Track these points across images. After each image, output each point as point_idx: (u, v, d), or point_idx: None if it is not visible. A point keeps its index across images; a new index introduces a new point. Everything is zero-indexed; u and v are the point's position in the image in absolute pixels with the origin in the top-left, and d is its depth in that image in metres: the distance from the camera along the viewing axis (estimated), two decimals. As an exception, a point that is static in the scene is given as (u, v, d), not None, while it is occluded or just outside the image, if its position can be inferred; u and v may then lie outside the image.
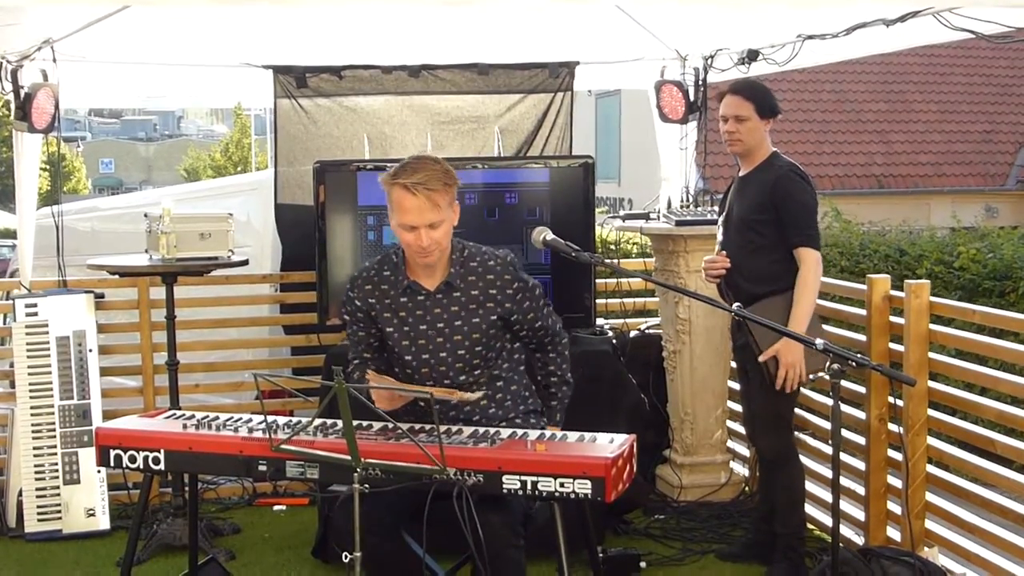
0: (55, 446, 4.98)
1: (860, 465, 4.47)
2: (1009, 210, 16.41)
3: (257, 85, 5.65)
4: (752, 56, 5.24)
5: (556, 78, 5.83)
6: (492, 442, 3.01)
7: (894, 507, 4.34)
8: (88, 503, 4.98)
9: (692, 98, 5.67)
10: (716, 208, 4.86)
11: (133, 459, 3.22)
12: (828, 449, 3.76)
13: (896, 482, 4.27)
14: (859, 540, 4.46)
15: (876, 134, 16.74)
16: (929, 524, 4.19)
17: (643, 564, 4.46)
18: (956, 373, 4.21)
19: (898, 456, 4.22)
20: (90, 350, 5.07)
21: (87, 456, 4.96)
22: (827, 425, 4.54)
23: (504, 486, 2.88)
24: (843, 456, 4.08)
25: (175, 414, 3.50)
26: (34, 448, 4.96)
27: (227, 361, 5.81)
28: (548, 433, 3.15)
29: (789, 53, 5.01)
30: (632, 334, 5.63)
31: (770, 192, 4.08)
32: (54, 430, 4.99)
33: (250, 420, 3.30)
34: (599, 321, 5.32)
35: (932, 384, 4.20)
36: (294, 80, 5.60)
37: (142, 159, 56.85)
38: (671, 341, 5.31)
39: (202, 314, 5.60)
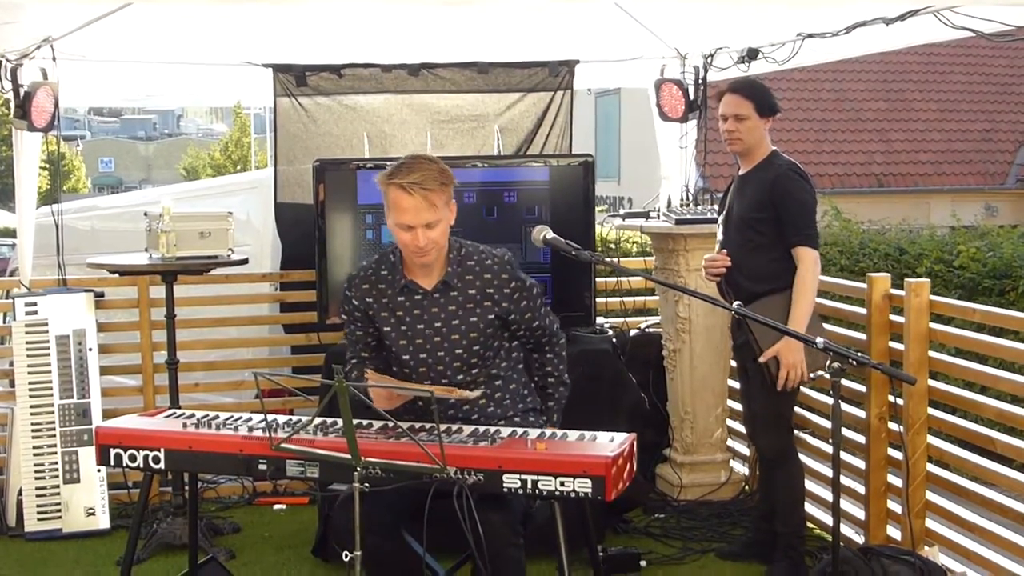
0: (55, 445, 4.98)
1: (860, 464, 4.47)
2: (1009, 209, 16.42)
3: (257, 84, 5.65)
4: (752, 55, 5.23)
5: (556, 77, 5.82)
6: (492, 441, 3.00)
7: (894, 506, 4.34)
8: (88, 502, 4.98)
9: (692, 97, 5.67)
10: (716, 207, 4.86)
11: (133, 458, 3.22)
12: (828, 448, 3.77)
13: (896, 481, 4.27)
14: (859, 539, 4.45)
15: (876, 133, 16.74)
16: (929, 523, 4.19)
17: (643, 563, 4.46)
18: (956, 372, 4.21)
19: (898, 455, 4.22)
20: (90, 349, 5.06)
21: (87, 455, 4.95)
22: (827, 424, 4.53)
23: (504, 485, 2.88)
24: (843, 455, 4.08)
25: (175, 413, 3.50)
26: (34, 447, 4.96)
27: (227, 360, 5.81)
28: (548, 432, 3.15)
29: (789, 52, 5.00)
30: (632, 333, 5.62)
31: (769, 191, 4.08)
32: (54, 429, 4.98)
33: (250, 419, 3.30)
34: (599, 320, 5.32)
35: (932, 383, 4.20)
36: (294, 79, 5.59)
37: (142, 158, 56.81)
38: (671, 340, 5.31)
39: (202, 313, 5.59)
